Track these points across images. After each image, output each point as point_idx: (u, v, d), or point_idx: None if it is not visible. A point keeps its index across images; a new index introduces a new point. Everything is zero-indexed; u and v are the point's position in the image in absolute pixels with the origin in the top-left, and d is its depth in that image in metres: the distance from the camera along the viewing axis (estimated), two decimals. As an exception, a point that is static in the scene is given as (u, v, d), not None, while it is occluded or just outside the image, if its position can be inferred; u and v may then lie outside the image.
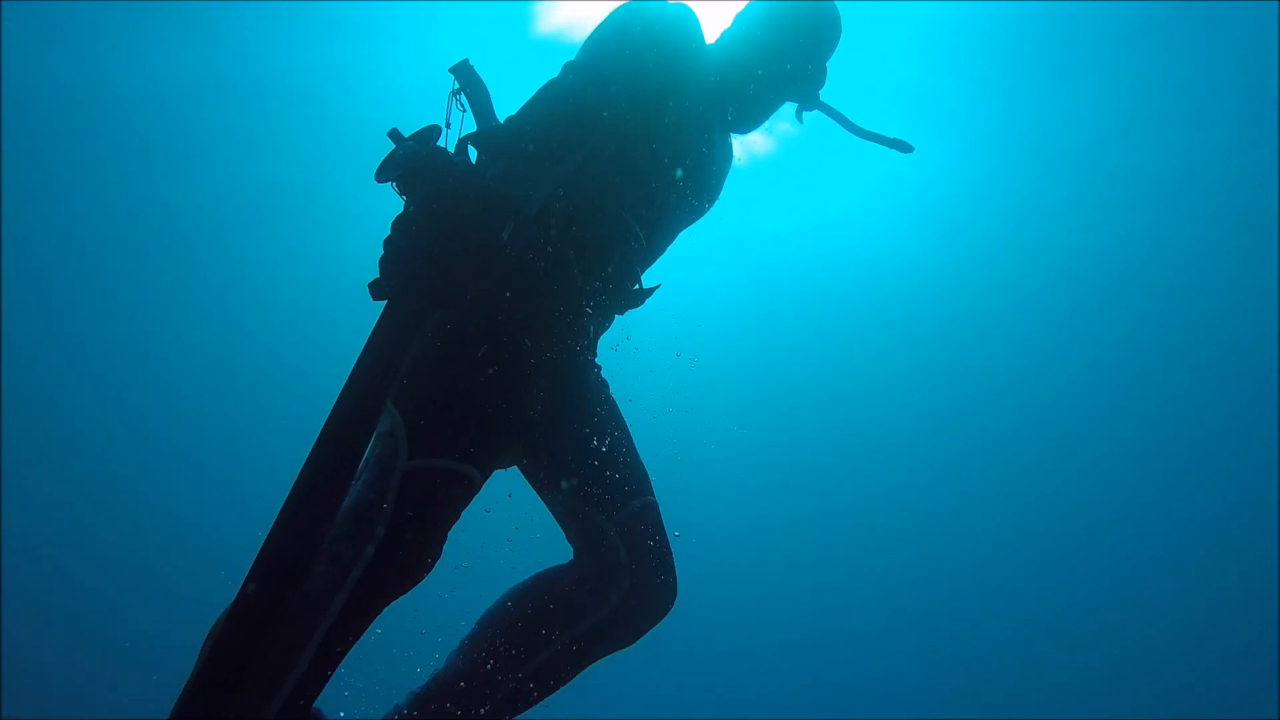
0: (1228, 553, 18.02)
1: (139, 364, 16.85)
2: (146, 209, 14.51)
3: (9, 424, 16.32)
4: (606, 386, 2.03)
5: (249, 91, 12.86)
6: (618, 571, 1.74)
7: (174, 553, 17.70)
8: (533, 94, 1.89)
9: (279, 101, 13.03)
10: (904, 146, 2.21)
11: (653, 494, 1.89)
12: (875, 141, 2.18)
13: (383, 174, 1.56)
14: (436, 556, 1.57)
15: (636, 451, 1.94)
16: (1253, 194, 12.28)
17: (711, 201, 2.24)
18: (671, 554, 1.84)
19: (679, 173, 1.99)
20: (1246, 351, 14.75)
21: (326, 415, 1.41)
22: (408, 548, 1.49)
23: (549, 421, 1.84)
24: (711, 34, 2.26)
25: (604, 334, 2.07)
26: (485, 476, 1.65)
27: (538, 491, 1.93)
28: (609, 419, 1.94)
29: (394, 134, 1.60)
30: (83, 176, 14.17)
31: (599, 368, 2.05)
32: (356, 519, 1.48)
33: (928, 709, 20.13)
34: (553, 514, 1.92)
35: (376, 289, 1.50)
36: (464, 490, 1.58)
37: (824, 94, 2.22)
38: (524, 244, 1.70)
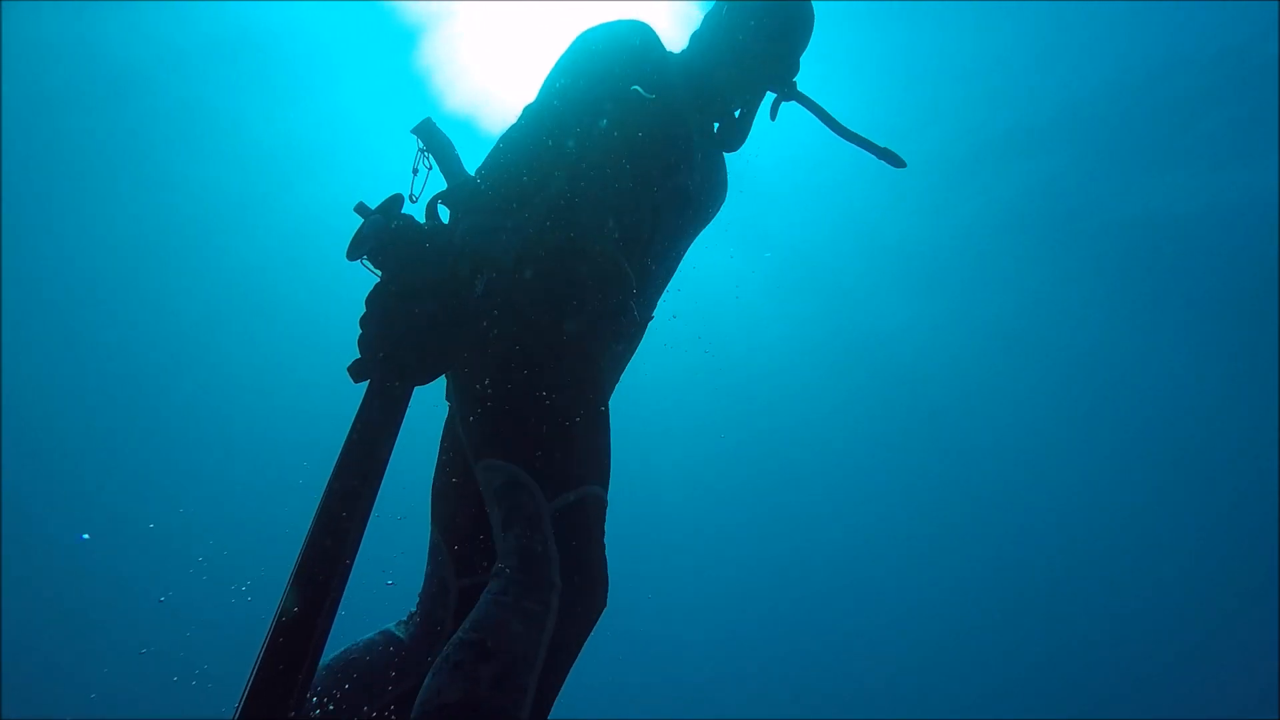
0: (1228, 554, 18.02)
1: (137, 364, 16.86)
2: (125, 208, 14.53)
3: (9, 424, 16.33)
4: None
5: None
6: (435, 636, 1.77)
7: (174, 553, 17.70)
8: (496, 141, 1.84)
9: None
10: (895, 160, 2.06)
11: None
12: (861, 146, 2.05)
13: (353, 252, 1.55)
14: (608, 580, 1.61)
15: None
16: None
17: (711, 215, 2.15)
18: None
19: (665, 197, 1.91)
20: (1245, 352, 14.76)
21: (320, 497, 1.40)
22: (584, 579, 1.55)
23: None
24: (680, 41, 2.20)
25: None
26: (607, 491, 1.71)
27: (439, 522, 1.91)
28: None
29: (360, 208, 1.58)
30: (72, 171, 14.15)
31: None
32: (530, 572, 1.52)
33: (927, 708, 20.16)
34: (429, 549, 1.90)
35: (357, 370, 1.48)
36: (602, 510, 1.63)
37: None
38: (506, 295, 1.67)
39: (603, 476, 1.67)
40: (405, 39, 11.63)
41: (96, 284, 15.84)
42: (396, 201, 1.58)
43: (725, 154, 2.22)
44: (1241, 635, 18.51)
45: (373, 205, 1.59)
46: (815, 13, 2.11)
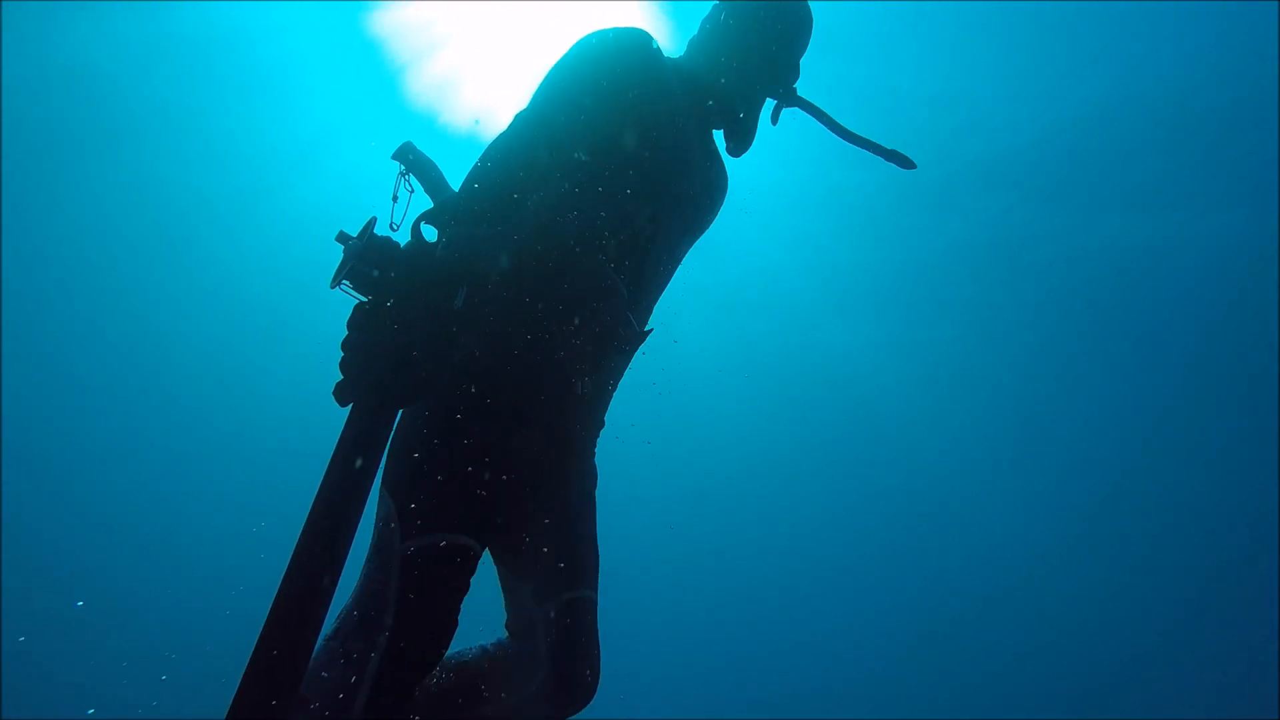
0: (1228, 554, 18.03)
1: (136, 362, 16.86)
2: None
3: (9, 424, 16.34)
4: (590, 455, 1.91)
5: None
6: (533, 661, 1.69)
7: (173, 553, 17.72)
8: (483, 150, 1.78)
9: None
10: (905, 161, 2.00)
11: (594, 588, 1.81)
12: (868, 149, 1.99)
13: (335, 280, 1.52)
14: (451, 631, 1.54)
15: (594, 536, 1.86)
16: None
17: (708, 222, 2.10)
18: (596, 652, 1.76)
19: (663, 205, 1.86)
20: (1244, 355, 14.79)
21: (303, 524, 1.39)
22: (419, 629, 1.48)
23: (511, 491, 1.75)
24: (678, 47, 2.15)
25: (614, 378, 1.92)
26: (485, 544, 1.63)
27: (489, 549, 1.85)
28: (576, 498, 1.85)
29: (341, 236, 1.55)
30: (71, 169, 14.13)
31: (599, 421, 1.93)
32: (363, 612, 1.49)
33: (926, 708, 20.18)
34: (498, 574, 1.87)
35: (341, 394, 1.45)
36: (465, 560, 1.56)
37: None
38: (490, 307, 1.60)
39: (475, 528, 1.57)
40: (382, 40, 11.65)
41: (80, 284, 15.85)
42: (374, 224, 1.56)
43: (726, 159, 2.16)
44: (1241, 635, 18.52)
45: (353, 231, 1.56)
46: (814, 17, 2.07)
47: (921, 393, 16.72)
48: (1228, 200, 12.53)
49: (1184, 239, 13.18)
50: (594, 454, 1.94)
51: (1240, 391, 15.30)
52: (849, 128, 2.01)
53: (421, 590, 1.49)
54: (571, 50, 1.85)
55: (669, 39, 2.16)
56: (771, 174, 12.21)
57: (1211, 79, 11.03)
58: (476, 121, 11.86)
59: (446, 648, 1.54)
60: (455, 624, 1.55)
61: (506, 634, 1.82)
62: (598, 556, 1.85)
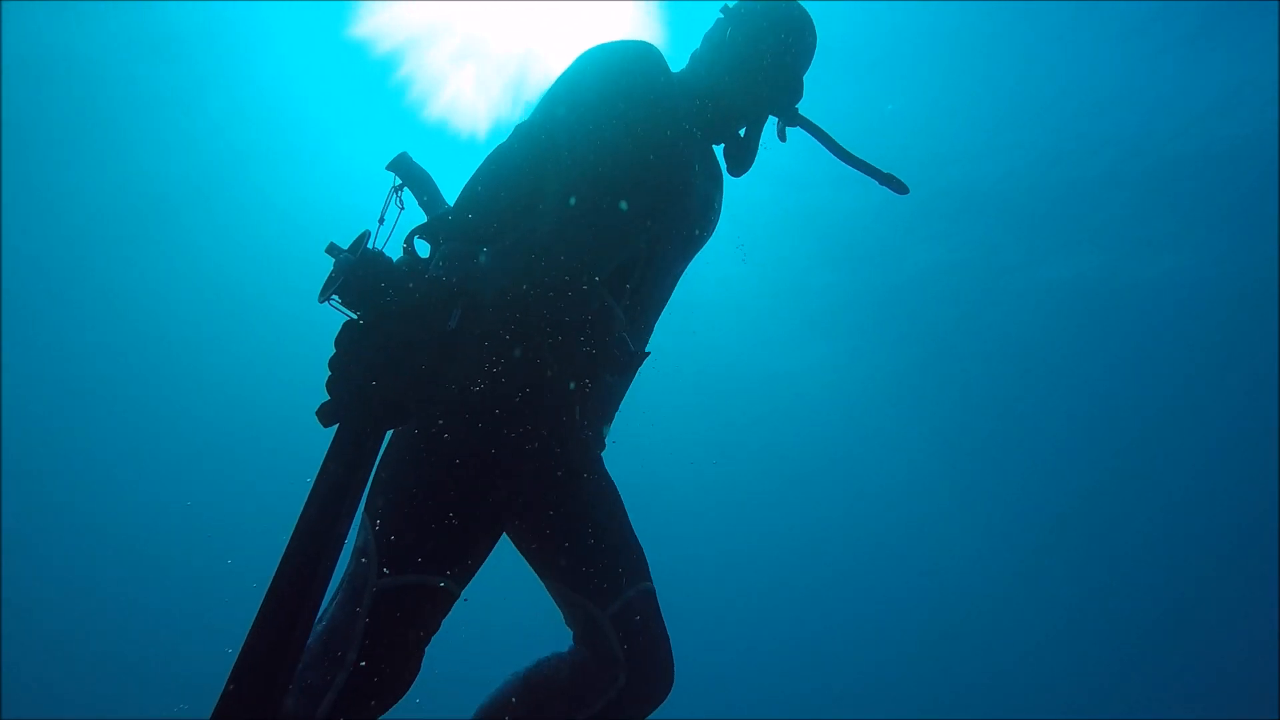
0: (1228, 554, 18.04)
1: (133, 359, 16.87)
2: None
3: (9, 424, 16.36)
4: (599, 464, 1.89)
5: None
6: (612, 664, 1.68)
7: (173, 554, 17.73)
8: (482, 162, 1.74)
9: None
10: (899, 186, 1.98)
11: (649, 578, 1.80)
12: (864, 172, 1.97)
13: (323, 294, 1.47)
14: (414, 674, 1.50)
15: (631, 531, 1.85)
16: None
17: (706, 238, 2.07)
18: (668, 640, 1.76)
19: (664, 224, 1.82)
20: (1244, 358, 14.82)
21: (284, 548, 1.35)
22: (381, 669, 1.45)
23: (537, 507, 1.75)
24: (677, 56, 2.09)
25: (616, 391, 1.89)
26: (464, 583, 1.58)
27: (533, 568, 1.83)
28: (601, 501, 1.83)
29: (332, 249, 1.50)
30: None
31: (600, 441, 1.89)
32: (326, 644, 1.45)
33: (925, 709, 20.20)
34: (548, 591, 1.84)
35: (326, 413, 1.39)
36: (440, 602, 1.52)
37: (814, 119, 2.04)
38: (483, 329, 1.54)
39: (454, 568, 1.52)
40: (377, 39, 11.65)
41: (76, 282, 15.85)
42: (367, 237, 1.51)
43: (727, 179, 2.14)
44: (1241, 635, 18.53)
45: (344, 243, 1.52)
46: (817, 33, 2.04)
47: (898, 411, 16.92)
48: (1205, 237, 12.77)
49: (1159, 274, 13.49)
50: (602, 470, 1.91)
51: (1224, 405, 15.52)
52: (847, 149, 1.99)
53: (389, 630, 1.45)
54: (576, 63, 1.80)
55: (664, 43, 2.14)
56: (740, 194, 12.27)
57: (1195, 118, 11.25)
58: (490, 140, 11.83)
59: (405, 692, 1.50)
60: (418, 668, 1.52)
61: (574, 642, 1.80)
62: (643, 554, 1.84)
